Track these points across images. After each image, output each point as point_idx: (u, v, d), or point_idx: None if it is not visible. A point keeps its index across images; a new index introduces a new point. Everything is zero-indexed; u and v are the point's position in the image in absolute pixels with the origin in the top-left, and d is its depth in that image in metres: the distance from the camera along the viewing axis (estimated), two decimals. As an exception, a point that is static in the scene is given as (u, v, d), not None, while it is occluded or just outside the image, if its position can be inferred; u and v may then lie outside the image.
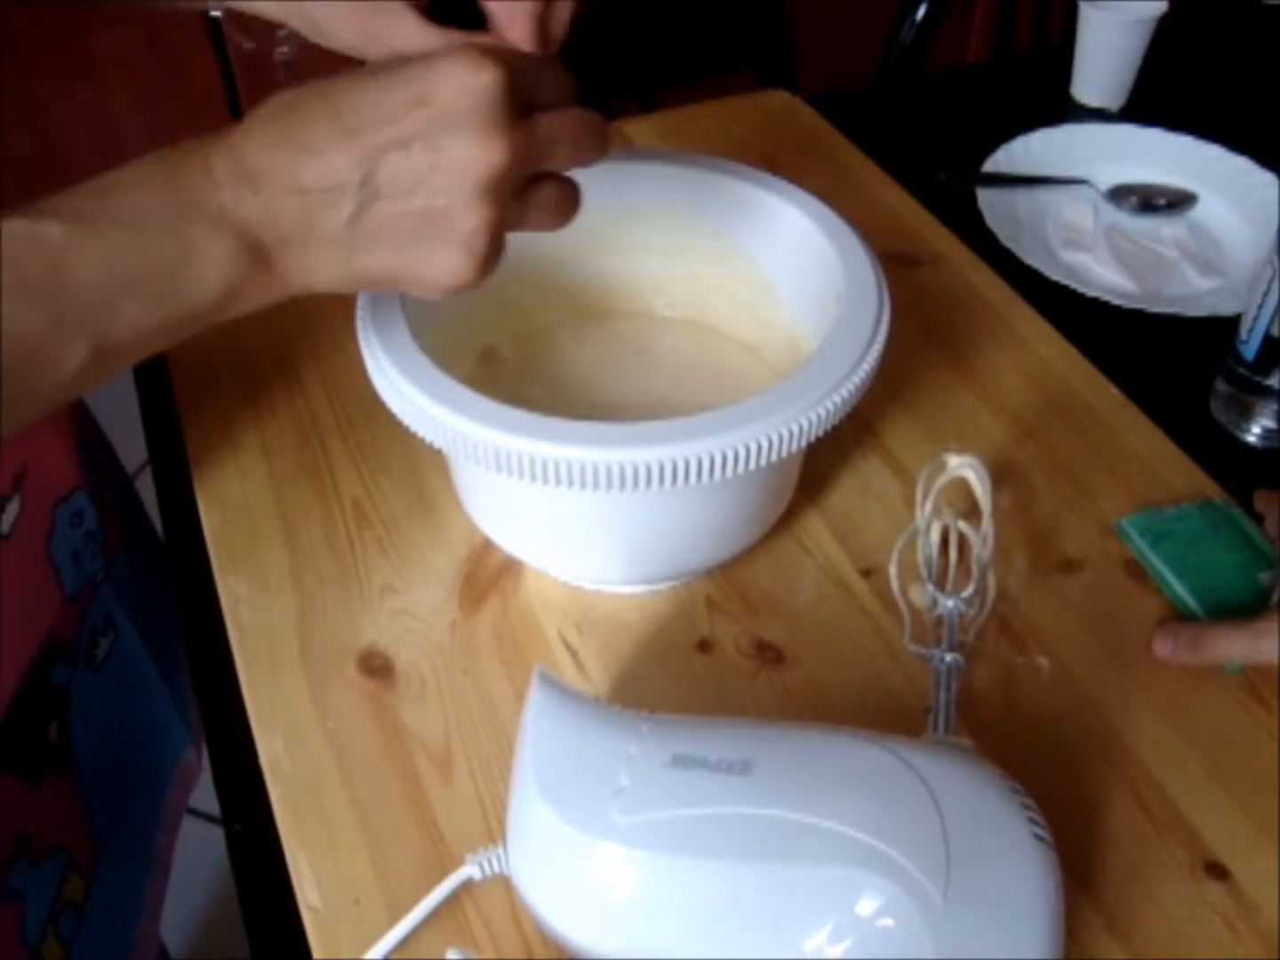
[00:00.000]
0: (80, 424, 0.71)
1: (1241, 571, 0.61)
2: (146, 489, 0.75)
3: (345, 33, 0.51)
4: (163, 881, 0.76)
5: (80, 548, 0.67)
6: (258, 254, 0.44)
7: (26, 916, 0.62)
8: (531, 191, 0.47)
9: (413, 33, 0.49)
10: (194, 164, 0.43)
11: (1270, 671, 0.58)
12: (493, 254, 0.47)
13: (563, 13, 0.50)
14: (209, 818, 1.41)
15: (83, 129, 1.60)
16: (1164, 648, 0.59)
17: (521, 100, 0.44)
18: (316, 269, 0.46)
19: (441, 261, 0.46)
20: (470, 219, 0.45)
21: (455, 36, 0.49)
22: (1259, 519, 0.63)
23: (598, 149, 0.48)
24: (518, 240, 0.67)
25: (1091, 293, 0.81)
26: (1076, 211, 0.91)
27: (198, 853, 1.29)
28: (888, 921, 0.41)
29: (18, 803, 0.62)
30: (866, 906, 0.41)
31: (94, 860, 0.68)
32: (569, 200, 0.49)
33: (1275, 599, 0.60)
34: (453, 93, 0.43)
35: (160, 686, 0.77)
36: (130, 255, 0.42)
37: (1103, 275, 0.86)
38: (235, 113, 1.71)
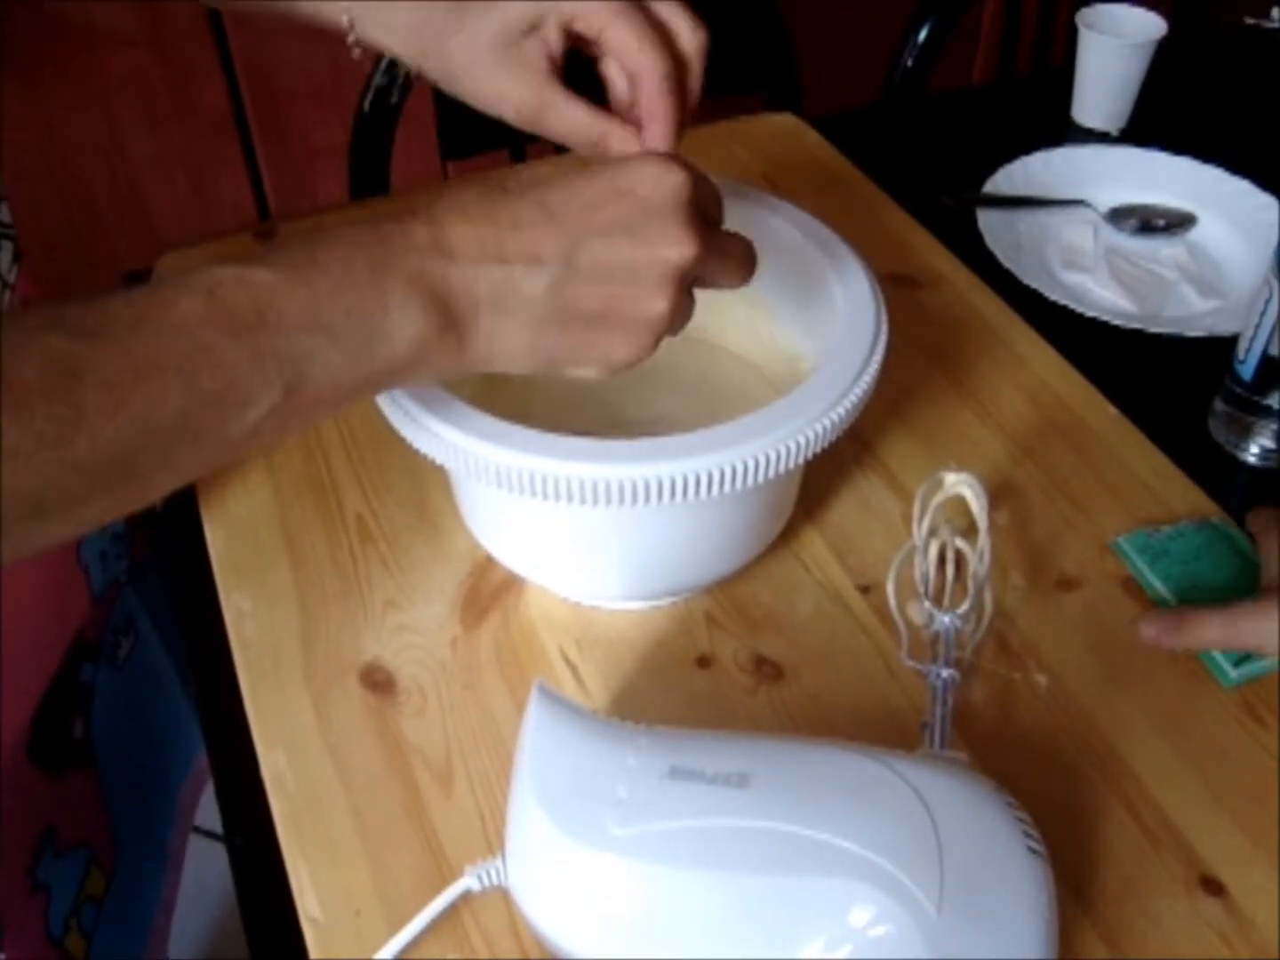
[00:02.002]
0: None
1: (1236, 589, 0.62)
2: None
3: (507, 108, 0.54)
4: (175, 878, 0.78)
5: (107, 548, 0.69)
6: (449, 317, 0.45)
7: (51, 909, 0.63)
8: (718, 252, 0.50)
9: (581, 118, 0.53)
10: (396, 229, 0.45)
11: (1267, 689, 0.59)
12: (661, 340, 0.49)
13: (694, 98, 0.55)
14: (211, 834, 1.42)
15: (92, 149, 1.62)
16: (1148, 631, 0.59)
17: (698, 207, 0.48)
18: (504, 340, 0.47)
19: (622, 343, 0.48)
20: (658, 305, 0.47)
21: (616, 123, 0.53)
22: (1252, 538, 0.64)
23: (748, 273, 0.52)
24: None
25: (1091, 313, 0.82)
26: (1076, 233, 0.92)
27: (201, 868, 1.30)
28: (882, 933, 0.41)
29: (44, 796, 0.63)
30: (861, 918, 0.42)
31: (114, 855, 0.69)
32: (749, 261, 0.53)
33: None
34: (652, 187, 0.46)
35: (177, 688, 0.79)
36: (332, 303, 0.43)
37: (1102, 296, 0.86)
38: (244, 134, 1.72)
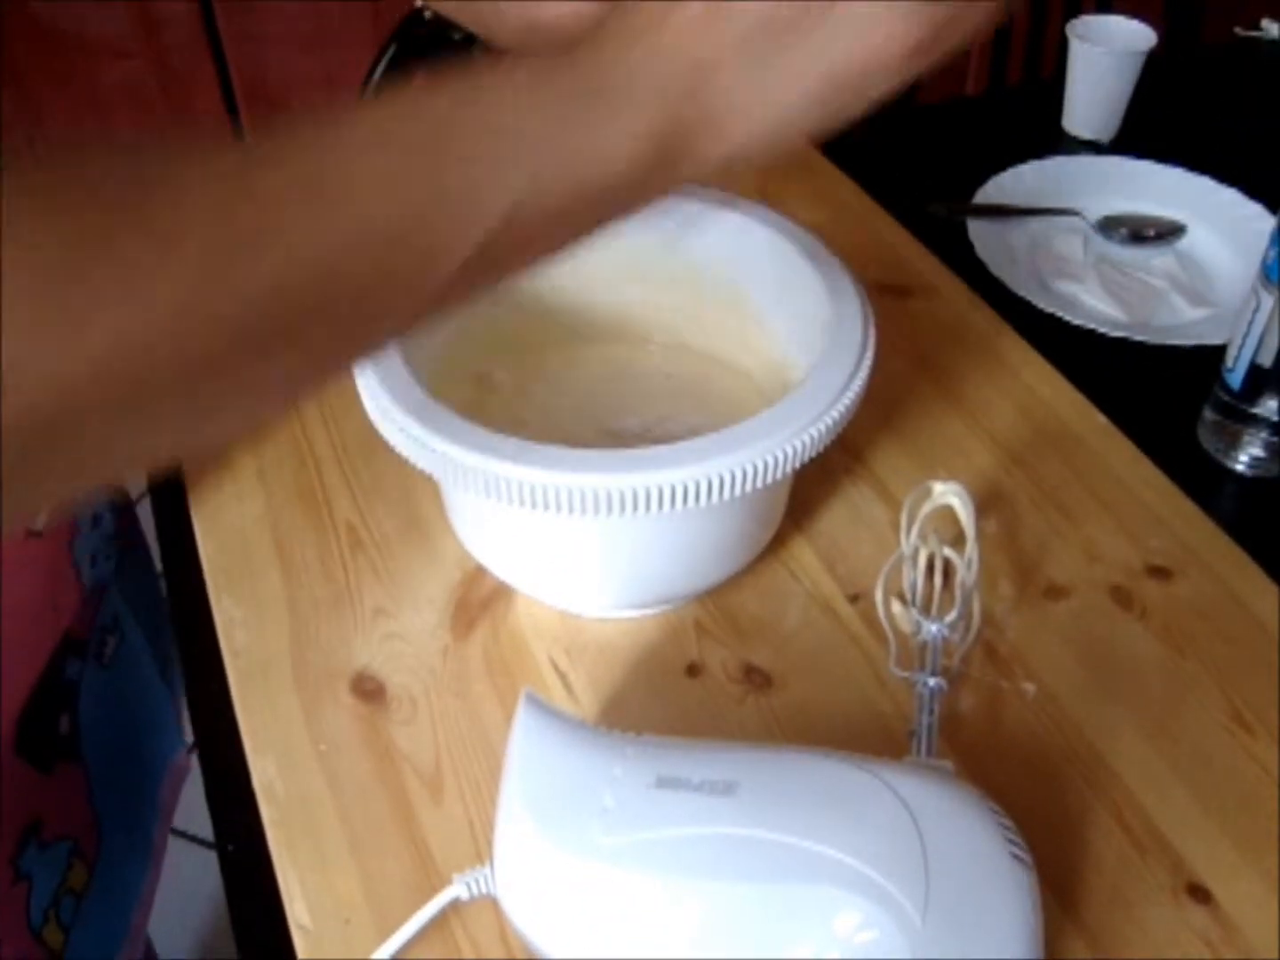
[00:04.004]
0: None
1: None
2: (145, 515, 0.76)
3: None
4: (155, 875, 0.78)
5: (98, 549, 0.69)
6: (689, 103, 0.39)
7: (32, 899, 0.63)
8: None
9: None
10: (574, 53, 0.39)
11: (1255, 697, 0.59)
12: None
13: None
14: (202, 841, 1.42)
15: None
16: None
17: None
18: (736, 95, 0.40)
19: (877, 29, 0.40)
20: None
21: None
22: None
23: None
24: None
25: (1081, 322, 0.82)
26: (1066, 242, 0.92)
27: (191, 876, 1.30)
28: (867, 940, 0.41)
29: (32, 790, 0.63)
30: (847, 926, 0.42)
31: (96, 849, 0.69)
32: None
33: None
34: None
35: (160, 687, 0.80)
36: (531, 114, 0.37)
37: (1092, 305, 0.87)
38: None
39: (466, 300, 0.39)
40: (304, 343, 0.35)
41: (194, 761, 0.62)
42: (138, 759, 0.77)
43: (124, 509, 0.76)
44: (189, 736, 0.65)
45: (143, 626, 0.76)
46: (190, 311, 0.30)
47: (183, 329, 0.30)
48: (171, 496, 0.70)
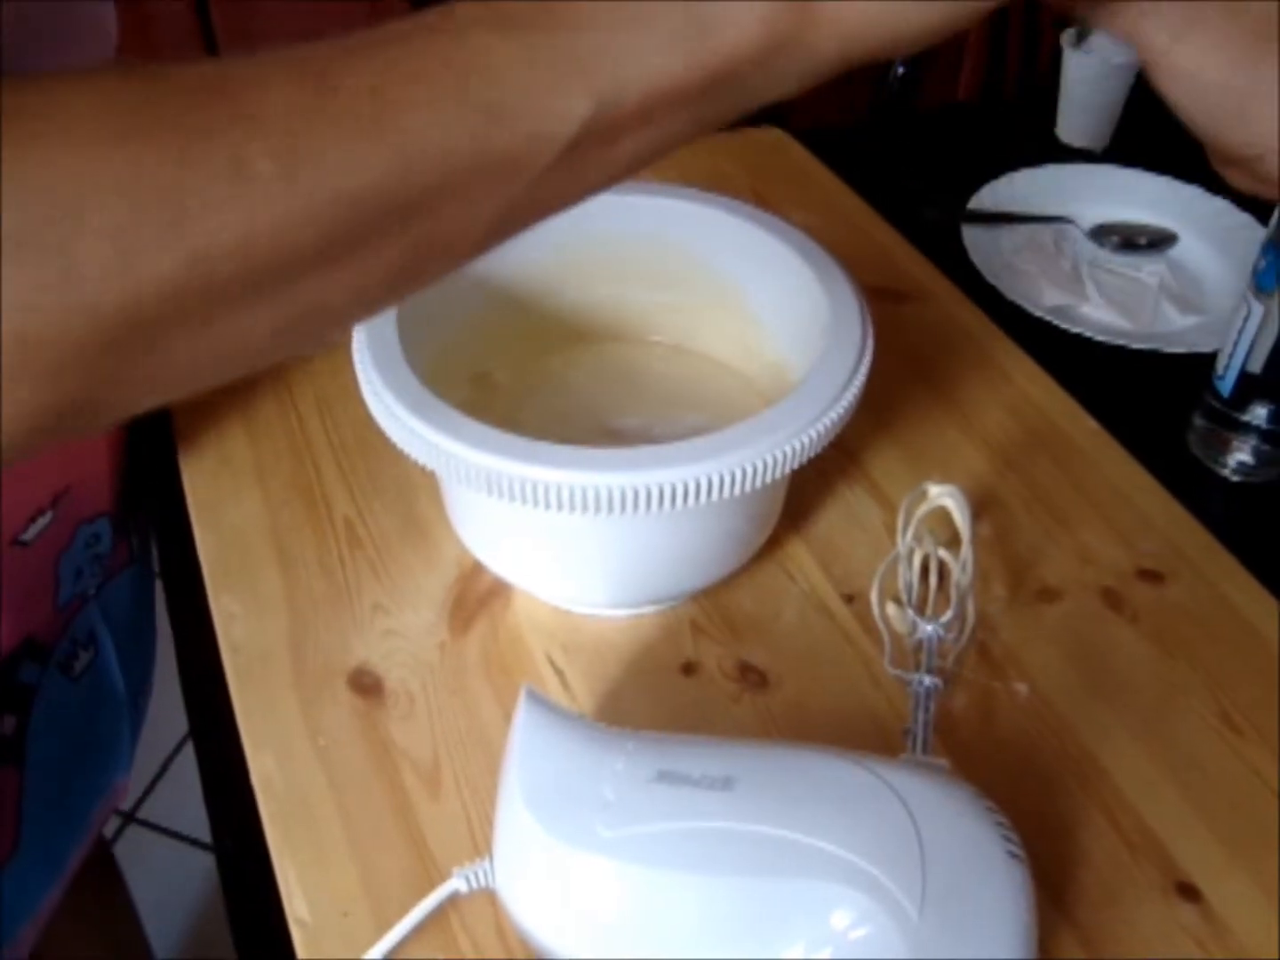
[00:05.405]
0: (123, 454, 0.71)
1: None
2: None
3: None
4: (57, 895, 0.75)
5: (85, 566, 0.68)
6: None
7: None
8: None
9: None
10: None
11: (1244, 699, 0.59)
12: None
13: None
14: (194, 841, 1.42)
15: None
16: None
17: None
18: None
19: None
20: None
21: None
22: None
23: None
24: (511, 270, 0.69)
25: (1073, 328, 0.83)
26: (1059, 249, 0.93)
27: (186, 873, 1.30)
28: (864, 935, 0.42)
29: None
30: (843, 920, 0.42)
31: (6, 857, 0.67)
32: None
33: None
34: None
35: (126, 709, 0.78)
36: None
37: (1084, 312, 0.87)
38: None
39: (576, 194, 0.35)
40: (381, 250, 0.33)
41: (183, 765, 0.61)
42: (81, 776, 0.75)
43: (128, 534, 0.75)
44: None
45: (122, 649, 0.75)
46: (277, 213, 0.30)
47: (272, 228, 0.30)
48: (169, 490, 0.70)
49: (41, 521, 0.62)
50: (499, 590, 0.64)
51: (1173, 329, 0.86)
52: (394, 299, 0.37)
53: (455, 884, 0.50)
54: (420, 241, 0.34)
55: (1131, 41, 0.44)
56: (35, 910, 0.73)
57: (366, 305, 0.36)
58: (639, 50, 0.33)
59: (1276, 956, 0.50)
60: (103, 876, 1.03)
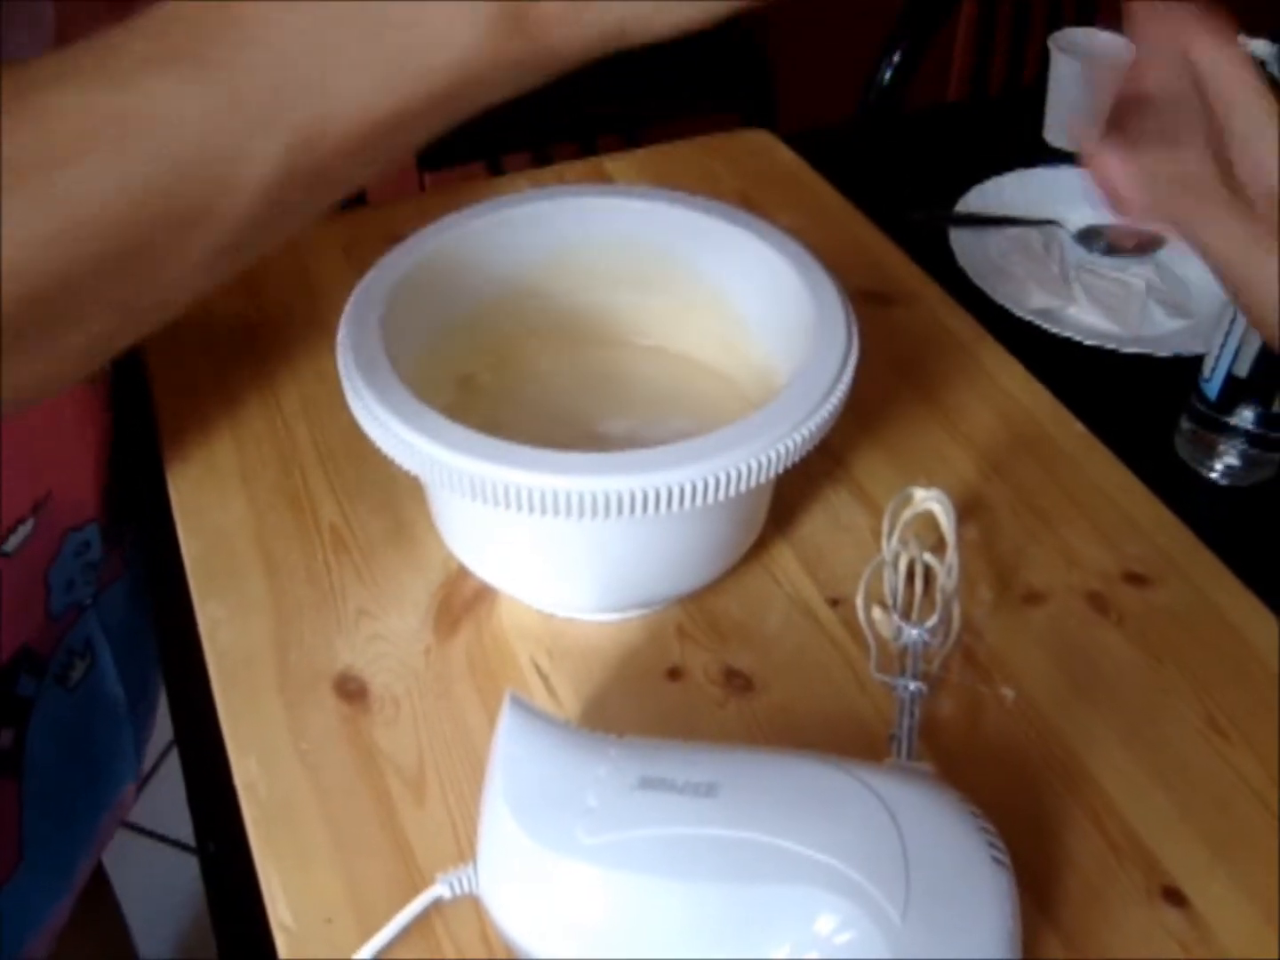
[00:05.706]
0: (109, 459, 0.71)
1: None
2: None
3: None
4: (68, 906, 0.75)
5: (77, 575, 0.68)
6: None
7: None
8: None
9: None
10: None
11: (1230, 704, 0.60)
12: None
13: None
14: (180, 845, 1.42)
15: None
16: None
17: None
18: None
19: None
20: None
21: None
22: None
23: None
24: (498, 272, 0.68)
25: (1059, 331, 0.83)
26: (1046, 252, 0.93)
27: (173, 877, 1.30)
28: (847, 940, 0.42)
29: None
30: (827, 925, 0.42)
31: (11, 870, 0.67)
32: None
33: None
34: None
35: (126, 718, 0.78)
36: (340, 14, 0.30)
37: (1071, 315, 0.87)
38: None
39: (307, 210, 0.33)
40: (82, 322, 0.31)
41: (171, 769, 0.61)
42: (84, 787, 0.75)
43: (120, 542, 0.75)
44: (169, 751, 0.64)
45: (120, 659, 0.75)
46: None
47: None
48: (155, 494, 0.70)
49: (23, 530, 0.62)
50: (484, 595, 0.64)
51: (1160, 332, 0.86)
52: (107, 358, 0.35)
53: (439, 889, 0.50)
54: (127, 301, 0.32)
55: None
56: (43, 921, 0.73)
57: (71, 381, 0.34)
58: (338, 84, 0.31)
59: (1261, 960, 0.50)
60: (90, 880, 1.02)
